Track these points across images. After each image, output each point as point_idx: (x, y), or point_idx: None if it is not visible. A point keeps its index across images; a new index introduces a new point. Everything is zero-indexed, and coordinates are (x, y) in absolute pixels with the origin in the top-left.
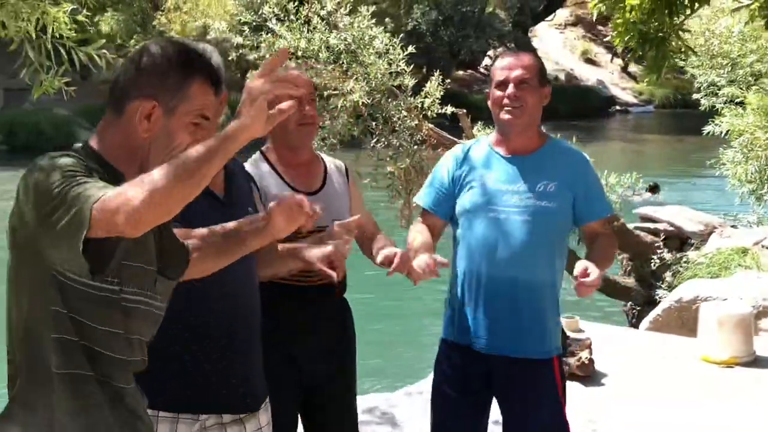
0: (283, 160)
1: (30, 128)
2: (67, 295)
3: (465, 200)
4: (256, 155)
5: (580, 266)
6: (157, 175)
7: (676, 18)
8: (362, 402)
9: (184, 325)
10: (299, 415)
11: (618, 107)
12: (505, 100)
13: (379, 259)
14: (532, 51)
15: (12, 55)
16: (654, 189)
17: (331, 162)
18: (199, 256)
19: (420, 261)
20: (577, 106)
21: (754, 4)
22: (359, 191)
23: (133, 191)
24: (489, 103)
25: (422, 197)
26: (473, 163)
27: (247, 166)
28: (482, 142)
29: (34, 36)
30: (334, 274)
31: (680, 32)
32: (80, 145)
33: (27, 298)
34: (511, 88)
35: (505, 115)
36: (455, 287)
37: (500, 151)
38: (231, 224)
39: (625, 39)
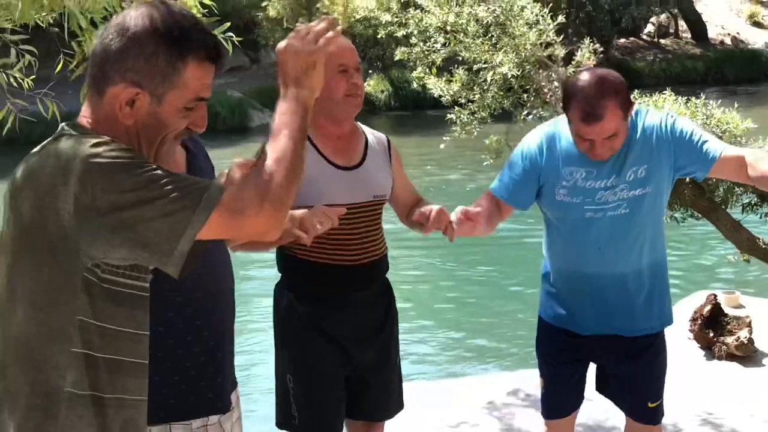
0: (324, 133)
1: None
2: (95, 298)
3: (558, 197)
4: None
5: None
6: (272, 172)
7: None
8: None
9: (169, 330)
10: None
11: None
12: (593, 151)
13: (414, 216)
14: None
15: None
16: None
17: (372, 135)
18: None
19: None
20: (745, 71)
21: None
22: (401, 165)
23: (266, 187)
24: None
25: (497, 188)
26: (559, 157)
27: None
28: (564, 134)
29: None
30: (304, 235)
31: None
32: (68, 126)
33: (36, 308)
34: (599, 146)
35: (593, 157)
36: (553, 276)
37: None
38: None
39: None
